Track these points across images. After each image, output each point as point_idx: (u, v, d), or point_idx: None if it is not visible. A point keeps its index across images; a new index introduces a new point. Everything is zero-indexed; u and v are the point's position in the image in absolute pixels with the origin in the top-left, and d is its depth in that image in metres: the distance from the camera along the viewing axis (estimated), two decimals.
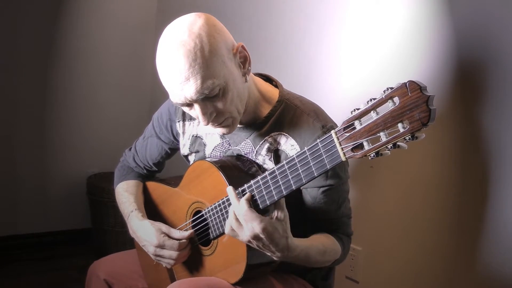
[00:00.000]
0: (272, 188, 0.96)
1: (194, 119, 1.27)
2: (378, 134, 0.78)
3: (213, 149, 1.24)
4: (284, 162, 0.93)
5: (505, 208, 1.36)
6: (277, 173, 0.95)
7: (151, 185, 1.40)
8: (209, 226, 1.14)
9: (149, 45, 2.65)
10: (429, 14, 1.52)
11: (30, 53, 2.48)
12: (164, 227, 1.20)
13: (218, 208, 1.10)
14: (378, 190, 1.70)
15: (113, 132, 2.80)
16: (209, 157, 1.24)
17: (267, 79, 1.23)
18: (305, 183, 0.91)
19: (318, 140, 0.87)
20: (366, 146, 0.80)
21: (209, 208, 1.13)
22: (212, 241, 1.16)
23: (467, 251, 1.46)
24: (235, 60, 1.06)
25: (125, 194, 1.35)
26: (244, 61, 1.08)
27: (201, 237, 1.18)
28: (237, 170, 1.13)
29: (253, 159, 1.16)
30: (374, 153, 0.80)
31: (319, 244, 1.10)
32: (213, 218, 1.12)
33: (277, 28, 2.06)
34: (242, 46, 1.07)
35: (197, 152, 1.28)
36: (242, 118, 1.12)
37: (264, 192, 0.97)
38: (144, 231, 1.22)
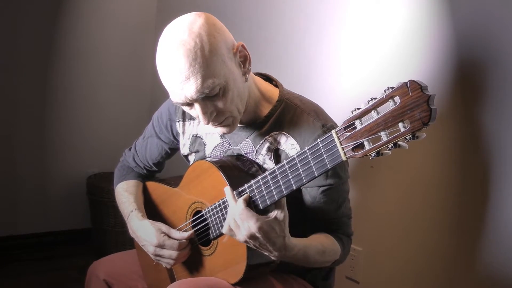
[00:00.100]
0: (272, 188, 0.96)
1: (194, 118, 1.27)
2: (379, 134, 0.78)
3: (213, 149, 1.24)
4: (285, 161, 0.93)
5: (506, 208, 1.36)
6: (277, 172, 0.95)
7: (151, 185, 1.40)
8: (209, 226, 1.14)
9: (149, 45, 2.65)
10: (429, 14, 1.52)
11: (30, 53, 2.48)
12: (164, 227, 1.20)
13: (218, 208, 1.10)
14: (378, 190, 1.70)
15: (113, 132, 2.80)
16: (209, 157, 1.24)
17: (267, 78, 1.23)
18: (306, 183, 0.91)
19: (318, 140, 0.87)
20: (367, 146, 0.80)
21: (209, 208, 1.13)
22: (212, 241, 1.15)
23: (467, 251, 1.46)
24: (235, 59, 1.06)
25: (125, 194, 1.35)
26: (244, 60, 1.08)
27: (201, 237, 1.18)
28: (237, 170, 1.13)
29: (253, 159, 1.16)
30: (374, 153, 0.80)
31: (318, 244, 1.10)
32: (213, 218, 1.12)
33: (277, 28, 2.06)
34: (242, 46, 1.07)
35: (197, 152, 1.28)
36: (242, 117, 1.12)
37: (264, 192, 0.97)
38: (144, 231, 1.22)
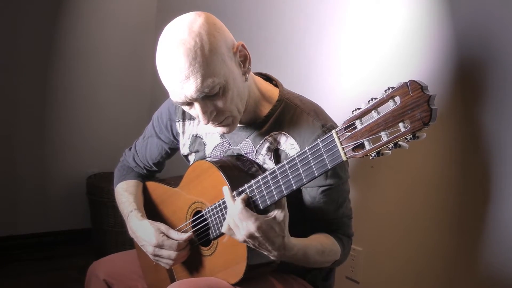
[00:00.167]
0: (272, 188, 0.96)
1: (194, 118, 1.27)
2: (379, 134, 0.78)
3: (213, 149, 1.24)
4: (285, 161, 0.93)
5: (506, 208, 1.36)
6: (277, 173, 0.95)
7: (151, 185, 1.39)
8: (209, 226, 1.14)
9: (149, 45, 2.65)
10: (429, 14, 1.52)
11: (30, 53, 2.48)
12: (163, 226, 1.20)
13: (218, 208, 1.10)
14: (378, 190, 1.70)
15: (113, 132, 2.80)
16: (209, 157, 1.24)
17: (267, 78, 1.23)
18: (306, 183, 0.91)
19: (319, 140, 0.87)
20: (367, 146, 0.80)
21: (209, 208, 1.12)
22: (212, 241, 1.15)
23: (467, 251, 1.46)
24: (235, 59, 1.06)
25: (125, 194, 1.35)
26: (244, 60, 1.08)
27: (201, 237, 1.18)
28: (237, 170, 1.13)
29: (253, 159, 1.16)
30: (375, 153, 0.80)
31: (318, 244, 1.10)
32: (213, 218, 1.12)
33: (277, 28, 2.06)
34: (242, 45, 1.07)
35: (197, 151, 1.28)
36: (242, 117, 1.12)
37: (264, 192, 0.97)
38: (143, 231, 1.21)
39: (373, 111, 0.78)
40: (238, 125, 1.15)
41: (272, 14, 2.08)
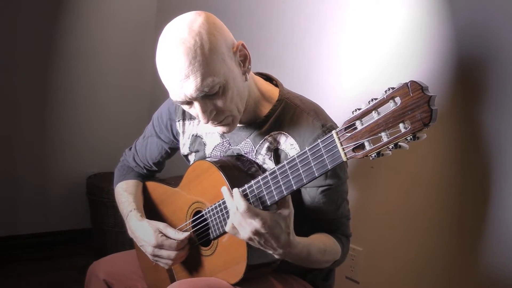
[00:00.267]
0: (272, 188, 0.96)
1: (194, 118, 1.27)
2: (380, 134, 0.78)
3: (213, 149, 1.24)
4: (285, 162, 0.93)
5: (506, 208, 1.36)
6: (277, 173, 0.94)
7: (151, 185, 1.39)
8: (209, 226, 1.14)
9: (149, 45, 2.65)
10: (429, 14, 1.52)
11: (30, 53, 2.48)
12: (161, 225, 1.20)
13: (218, 208, 1.10)
14: (378, 190, 1.70)
15: (113, 132, 2.80)
16: (209, 157, 1.24)
17: (267, 78, 1.23)
18: (306, 183, 0.91)
19: (319, 140, 0.87)
20: (367, 146, 0.80)
21: (209, 208, 1.12)
22: (212, 241, 1.15)
23: (467, 251, 1.46)
24: (235, 58, 1.06)
25: (125, 194, 1.35)
26: (244, 59, 1.08)
27: (201, 237, 1.18)
28: (237, 170, 1.13)
29: (253, 159, 1.16)
30: (375, 154, 0.80)
31: (320, 243, 1.10)
32: (213, 218, 1.12)
33: (277, 28, 2.06)
34: (242, 45, 1.07)
35: (197, 151, 1.28)
36: (242, 117, 1.12)
37: (264, 192, 0.97)
38: (142, 231, 1.21)
39: (373, 112, 0.78)
40: (238, 125, 1.15)
41: (272, 14, 2.08)
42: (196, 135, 1.28)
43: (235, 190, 0.98)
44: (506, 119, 1.35)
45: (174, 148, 1.39)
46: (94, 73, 2.71)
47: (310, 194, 1.13)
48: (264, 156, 1.15)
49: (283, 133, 1.13)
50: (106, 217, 2.47)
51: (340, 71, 1.80)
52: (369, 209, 1.71)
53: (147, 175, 1.45)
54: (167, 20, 1.05)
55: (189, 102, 1.05)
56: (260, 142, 1.15)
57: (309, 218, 1.16)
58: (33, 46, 2.48)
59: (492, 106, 1.38)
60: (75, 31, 2.60)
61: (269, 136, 1.14)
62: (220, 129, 1.11)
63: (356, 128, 0.81)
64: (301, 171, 0.91)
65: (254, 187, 0.98)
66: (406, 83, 0.74)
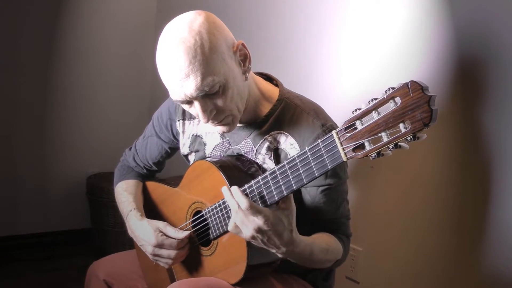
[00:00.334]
0: (273, 188, 0.96)
1: (194, 118, 1.27)
2: (380, 134, 0.77)
3: (213, 149, 1.24)
4: (285, 162, 0.93)
5: (506, 208, 1.36)
6: (277, 173, 0.94)
7: (151, 185, 1.39)
8: (209, 226, 1.14)
9: (149, 45, 2.65)
10: (429, 14, 1.52)
11: (30, 53, 2.48)
12: (161, 224, 1.20)
13: (218, 208, 1.10)
14: (378, 190, 1.70)
15: (113, 132, 2.80)
16: (209, 157, 1.24)
17: (267, 78, 1.23)
18: (306, 183, 0.91)
19: (319, 140, 0.87)
20: (368, 147, 0.80)
21: (209, 208, 1.12)
22: (212, 241, 1.15)
23: (467, 251, 1.46)
24: (235, 58, 1.06)
25: (124, 193, 1.35)
26: (244, 59, 1.08)
27: (201, 237, 1.18)
28: (237, 170, 1.13)
29: (253, 158, 1.16)
30: (375, 154, 0.80)
31: (322, 242, 1.10)
32: (213, 218, 1.12)
33: (277, 28, 2.06)
34: (243, 44, 1.07)
35: (197, 151, 1.28)
36: (242, 117, 1.12)
37: (265, 192, 0.97)
38: (142, 230, 1.21)
39: (373, 112, 0.78)
40: (238, 124, 1.15)
41: (272, 14, 2.08)
42: (196, 135, 1.28)
43: (234, 187, 0.97)
44: (506, 119, 1.35)
45: (174, 148, 1.39)
46: (94, 73, 2.71)
47: (310, 193, 1.13)
48: (264, 155, 1.15)
49: (283, 133, 1.13)
50: (106, 217, 2.47)
51: (340, 71, 1.80)
52: (369, 209, 1.71)
53: (147, 175, 1.45)
54: (167, 20, 1.05)
55: (189, 102, 1.05)
56: (260, 141, 1.15)
57: (309, 218, 1.16)
58: (33, 46, 2.48)
59: (492, 106, 1.38)
60: (75, 31, 2.60)
61: (269, 136, 1.14)
62: (220, 128, 1.11)
63: (356, 128, 0.81)
64: (301, 171, 0.91)
65: (254, 187, 0.98)
66: (406, 83, 0.74)
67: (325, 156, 0.86)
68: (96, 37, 2.68)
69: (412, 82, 0.74)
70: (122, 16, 2.78)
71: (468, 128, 1.44)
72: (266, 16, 2.11)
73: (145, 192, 1.39)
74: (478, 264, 1.43)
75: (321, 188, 1.11)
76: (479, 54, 1.41)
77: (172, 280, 1.28)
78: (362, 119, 0.80)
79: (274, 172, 0.95)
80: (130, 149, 1.46)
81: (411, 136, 0.75)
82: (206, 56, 0.98)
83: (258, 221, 0.93)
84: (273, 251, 0.98)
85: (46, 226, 2.69)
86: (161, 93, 1.21)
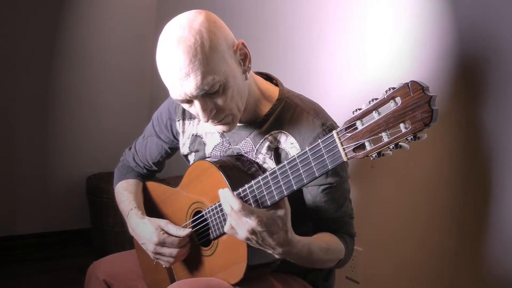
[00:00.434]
0: (273, 188, 0.95)
1: (194, 118, 1.27)
2: (380, 135, 0.77)
3: (213, 148, 1.24)
4: (285, 162, 0.93)
5: (507, 208, 1.36)
6: (278, 173, 0.94)
7: (151, 185, 1.39)
8: (209, 226, 1.14)
9: (149, 45, 2.65)
10: (430, 14, 1.51)
11: (31, 53, 2.48)
12: (162, 222, 1.19)
13: (218, 209, 1.09)
14: (378, 190, 1.70)
15: (113, 132, 2.80)
16: (209, 157, 1.24)
17: (267, 77, 1.23)
18: (307, 183, 0.91)
19: (319, 140, 0.87)
20: (368, 147, 0.80)
21: (210, 209, 1.12)
22: (212, 241, 1.15)
23: (468, 251, 1.45)
24: (235, 57, 1.06)
25: (125, 192, 1.35)
26: (244, 58, 1.08)
27: (201, 237, 1.18)
28: (237, 170, 1.13)
29: (254, 158, 1.16)
30: (376, 154, 0.79)
31: (322, 241, 1.09)
32: (213, 218, 1.11)
33: (277, 28, 2.06)
34: (243, 44, 1.07)
35: (197, 151, 1.28)
36: (242, 116, 1.12)
37: (265, 192, 0.97)
38: (143, 228, 1.21)
39: (374, 112, 0.78)
40: (238, 124, 1.15)
41: (272, 14, 2.08)
42: (196, 135, 1.28)
43: (226, 190, 0.97)
44: (507, 119, 1.35)
45: (174, 148, 1.39)
46: (94, 73, 2.72)
47: (311, 193, 1.13)
48: (264, 155, 1.14)
49: (283, 132, 1.13)
50: (106, 217, 2.47)
51: (340, 70, 1.80)
52: (369, 209, 1.71)
53: (147, 175, 1.44)
54: (167, 20, 1.05)
55: (189, 101, 1.04)
56: (261, 141, 1.15)
57: (311, 218, 1.16)
58: (33, 46, 2.48)
59: (492, 106, 1.38)
60: (75, 32, 2.61)
61: (269, 135, 1.14)
62: (220, 128, 1.10)
63: (356, 128, 0.81)
64: (301, 171, 0.90)
65: (254, 187, 0.98)
66: (407, 83, 0.74)
67: (325, 156, 0.86)
68: (96, 37, 2.68)
69: (413, 82, 0.73)
70: (122, 16, 2.78)
71: (468, 128, 1.44)
72: (266, 15, 2.11)
73: (145, 192, 1.39)
74: (479, 264, 1.43)
75: (322, 187, 1.11)
76: (479, 54, 1.41)
77: (172, 280, 1.28)
78: (363, 119, 0.80)
79: (274, 172, 0.95)
80: (130, 149, 1.46)
81: (411, 136, 0.75)
82: (206, 55, 0.98)
83: (251, 222, 0.93)
84: (269, 251, 0.98)
85: (46, 226, 2.69)
86: (161, 93, 1.21)
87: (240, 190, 1.01)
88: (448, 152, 1.49)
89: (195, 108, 1.05)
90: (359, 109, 0.81)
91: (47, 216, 2.68)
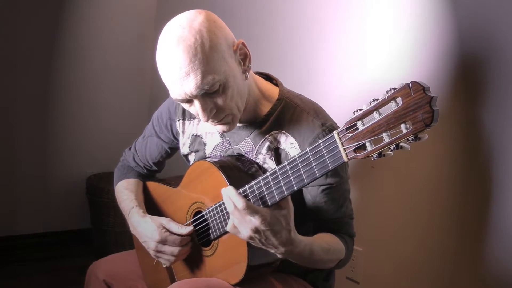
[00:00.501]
0: (273, 188, 0.95)
1: (194, 118, 1.27)
2: (381, 135, 0.77)
3: (213, 148, 1.24)
4: (286, 162, 0.93)
5: (507, 208, 1.36)
6: (278, 173, 0.94)
7: (151, 185, 1.39)
8: (209, 226, 1.14)
9: (149, 45, 2.65)
10: (430, 14, 1.51)
11: (31, 53, 2.48)
12: (164, 220, 1.19)
13: (219, 209, 1.09)
14: (379, 190, 1.70)
15: (112, 132, 2.80)
16: (209, 157, 1.24)
17: (267, 77, 1.23)
18: (307, 184, 0.91)
19: (320, 141, 0.86)
20: (369, 147, 0.79)
21: (210, 209, 1.12)
22: (213, 241, 1.15)
23: (468, 251, 1.45)
24: (235, 57, 1.05)
25: (126, 191, 1.35)
26: (244, 58, 1.08)
27: (202, 237, 1.18)
28: (238, 170, 1.13)
29: (254, 158, 1.16)
30: (376, 154, 0.79)
31: (323, 242, 1.09)
32: (213, 218, 1.11)
33: (277, 28, 2.05)
34: (243, 43, 1.07)
35: (197, 151, 1.28)
36: (242, 116, 1.12)
37: (265, 193, 0.97)
38: (145, 226, 1.21)
39: (374, 112, 0.78)
40: (238, 124, 1.15)
41: (272, 14, 2.08)
42: (196, 135, 1.28)
43: (230, 188, 0.96)
44: (507, 119, 1.35)
45: (174, 148, 1.39)
46: (94, 73, 2.71)
47: (311, 193, 1.13)
48: (264, 155, 1.14)
49: (283, 132, 1.13)
50: (106, 217, 2.47)
51: (340, 71, 1.79)
52: (370, 209, 1.71)
53: (147, 175, 1.44)
54: (167, 20, 1.05)
55: (189, 100, 1.04)
56: (261, 141, 1.15)
57: (311, 218, 1.15)
58: (33, 46, 2.48)
59: (492, 106, 1.38)
60: (75, 31, 2.60)
61: (269, 136, 1.14)
62: (220, 127, 1.10)
63: (357, 128, 0.80)
64: (302, 171, 0.90)
65: (254, 187, 0.98)
66: (408, 84, 0.74)
67: (326, 157, 0.86)
68: (96, 37, 2.68)
69: (414, 82, 0.73)
70: (122, 15, 2.78)
71: (468, 128, 1.44)
72: (266, 15, 2.11)
73: (145, 192, 1.39)
74: (479, 264, 1.43)
75: (322, 188, 1.11)
76: (479, 54, 1.41)
77: (172, 280, 1.28)
78: (363, 120, 0.80)
79: (275, 172, 0.95)
80: (130, 149, 1.46)
81: (412, 137, 0.74)
82: (206, 54, 0.98)
83: (255, 221, 0.92)
84: (272, 251, 0.98)
85: (46, 226, 2.68)
86: (161, 93, 1.21)
87: (241, 190, 1.01)
88: (448, 152, 1.49)
89: (195, 107, 1.05)
90: (360, 110, 0.81)
91: (47, 216, 2.68)
